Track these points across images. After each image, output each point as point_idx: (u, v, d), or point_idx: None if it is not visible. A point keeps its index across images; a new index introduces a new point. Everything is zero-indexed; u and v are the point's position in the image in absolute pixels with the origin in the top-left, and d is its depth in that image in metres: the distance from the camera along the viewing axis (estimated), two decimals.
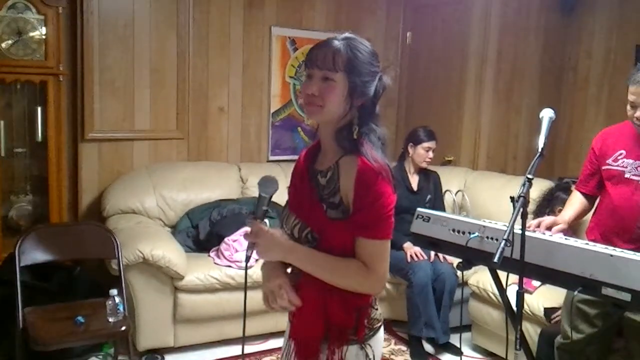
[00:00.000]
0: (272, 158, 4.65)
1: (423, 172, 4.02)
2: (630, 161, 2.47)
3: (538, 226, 2.36)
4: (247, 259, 1.56)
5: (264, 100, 4.59)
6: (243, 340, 1.74)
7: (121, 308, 2.90)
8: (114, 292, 2.88)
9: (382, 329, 1.62)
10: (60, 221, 3.66)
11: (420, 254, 3.67)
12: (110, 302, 2.87)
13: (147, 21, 4.04)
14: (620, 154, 2.50)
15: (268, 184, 1.56)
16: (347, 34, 1.54)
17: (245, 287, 1.62)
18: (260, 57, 4.52)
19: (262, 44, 4.51)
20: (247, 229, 1.58)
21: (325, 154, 1.60)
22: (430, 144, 3.92)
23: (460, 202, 4.30)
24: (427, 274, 3.61)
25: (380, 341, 1.62)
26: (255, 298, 3.60)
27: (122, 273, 3.13)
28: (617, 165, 2.51)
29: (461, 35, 4.69)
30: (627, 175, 2.46)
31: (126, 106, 4.05)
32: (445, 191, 4.34)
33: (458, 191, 4.33)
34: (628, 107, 2.40)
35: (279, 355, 3.38)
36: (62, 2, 3.56)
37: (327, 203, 1.51)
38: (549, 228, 2.35)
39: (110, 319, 2.87)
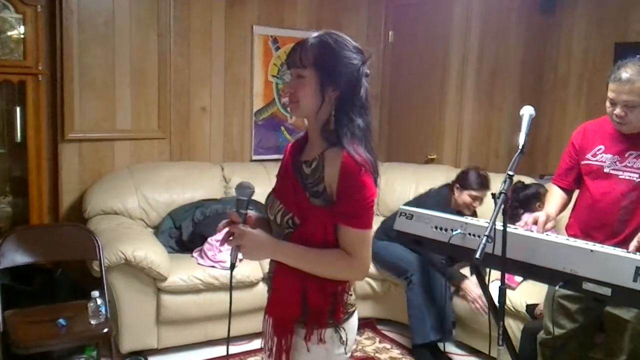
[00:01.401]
0: (255, 157, 4.63)
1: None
2: (609, 156, 2.50)
3: (535, 223, 2.37)
4: (232, 266, 1.64)
5: (247, 99, 4.57)
6: (227, 341, 1.77)
7: (103, 310, 2.87)
8: (95, 294, 2.85)
9: (356, 313, 1.70)
10: (41, 223, 3.61)
11: (481, 300, 3.21)
12: (92, 304, 2.84)
13: (128, 20, 4.00)
14: (600, 149, 2.53)
15: (244, 187, 1.63)
16: (323, 30, 1.61)
17: (230, 293, 1.71)
18: (242, 56, 4.50)
19: (244, 43, 4.50)
20: (224, 231, 1.61)
21: (311, 146, 1.67)
22: (479, 194, 3.49)
23: None
24: (427, 270, 3.48)
25: (354, 326, 1.69)
26: (240, 298, 3.62)
27: (103, 274, 3.10)
28: (596, 160, 2.53)
29: (443, 34, 4.71)
30: (606, 170, 2.49)
31: (107, 106, 4.01)
32: (430, 189, 4.36)
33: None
34: (607, 104, 2.43)
35: (262, 355, 3.38)
36: (40, 0, 3.51)
37: (310, 191, 1.58)
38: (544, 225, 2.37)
39: (93, 321, 2.84)
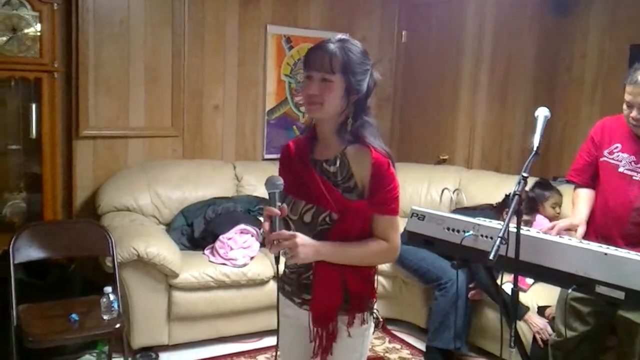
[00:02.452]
0: (267, 156, 4.64)
1: None
2: (625, 155, 2.47)
3: (551, 229, 2.34)
4: (277, 259, 1.69)
5: (259, 98, 4.58)
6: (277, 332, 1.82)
7: (115, 305, 2.89)
8: (108, 289, 2.87)
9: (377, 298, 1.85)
10: (55, 218, 3.65)
11: (547, 330, 3.06)
12: (104, 300, 2.86)
13: (143, 19, 4.03)
14: (617, 147, 2.50)
15: (273, 181, 1.66)
16: (340, 36, 1.71)
17: (277, 278, 1.85)
18: (255, 56, 4.52)
19: (258, 42, 4.51)
20: (242, 227, 1.67)
21: (326, 145, 1.76)
22: (530, 217, 3.36)
23: (456, 200, 4.31)
24: (464, 282, 3.42)
25: (377, 308, 1.84)
26: (251, 296, 3.64)
27: (116, 270, 3.12)
28: (613, 159, 2.51)
29: (456, 34, 4.70)
30: (620, 170, 2.47)
31: (121, 103, 4.04)
32: (444, 189, 4.36)
33: (455, 190, 4.34)
34: (624, 106, 2.41)
35: (273, 353, 3.39)
36: None
37: (342, 187, 1.70)
38: (567, 230, 2.34)
39: (105, 317, 2.86)
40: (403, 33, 5.12)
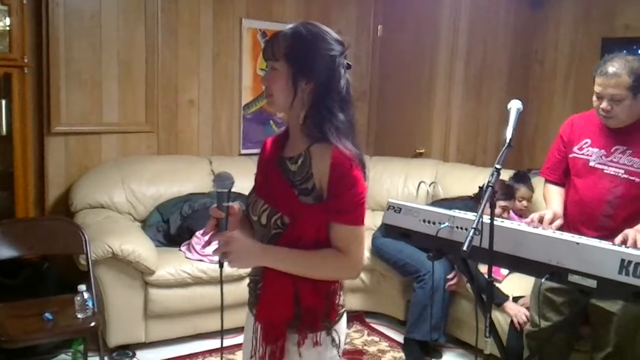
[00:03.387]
0: (243, 151, 4.62)
1: None
2: (595, 150, 2.51)
3: (540, 221, 2.35)
4: (221, 264, 1.52)
5: (235, 93, 4.55)
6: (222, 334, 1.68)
7: (90, 304, 2.86)
8: (82, 287, 2.84)
9: (345, 314, 1.64)
10: (27, 216, 3.58)
11: (521, 313, 3.12)
12: (79, 298, 2.82)
13: (115, 12, 3.96)
14: (586, 142, 2.54)
15: (223, 178, 1.52)
16: (300, 21, 1.55)
17: (222, 292, 1.59)
18: (231, 50, 4.48)
19: (233, 36, 4.48)
20: (202, 237, 1.54)
21: (293, 142, 1.60)
22: (507, 204, 3.44)
23: (433, 193, 4.34)
24: (442, 274, 3.46)
25: (344, 327, 1.64)
26: (228, 292, 3.61)
27: (90, 268, 3.08)
28: (582, 154, 2.54)
29: (431, 28, 4.72)
30: (591, 164, 2.51)
31: (93, 99, 3.97)
32: (420, 182, 4.38)
33: (431, 183, 4.37)
34: (594, 98, 2.44)
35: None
36: None
37: (299, 189, 1.51)
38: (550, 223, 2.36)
39: (79, 315, 2.82)
40: (379, 27, 5.12)
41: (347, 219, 1.49)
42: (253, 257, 1.52)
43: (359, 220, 1.50)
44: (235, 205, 1.55)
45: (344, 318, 1.64)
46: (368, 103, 5.24)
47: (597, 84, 2.40)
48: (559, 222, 2.39)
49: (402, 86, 5.01)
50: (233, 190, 1.56)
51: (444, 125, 4.74)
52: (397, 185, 4.51)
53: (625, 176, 2.42)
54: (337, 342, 1.58)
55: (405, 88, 4.97)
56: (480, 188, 3.55)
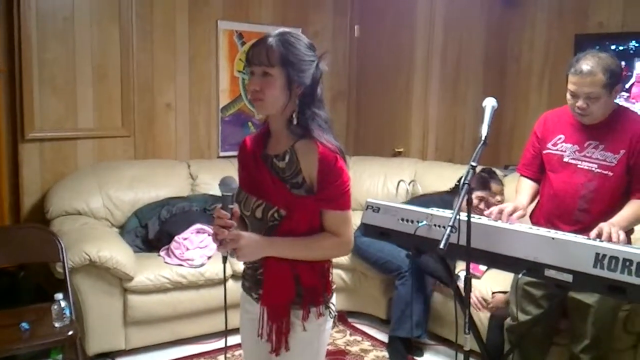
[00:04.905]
0: (222, 154, 4.59)
1: None
2: (569, 145, 2.54)
3: (500, 213, 2.37)
4: (225, 259, 1.70)
5: (213, 95, 4.53)
6: (226, 335, 1.89)
7: (67, 312, 2.81)
8: (59, 296, 2.79)
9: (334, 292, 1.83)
10: (2, 224, 3.53)
11: (475, 297, 3.22)
12: (55, 307, 2.78)
13: (88, 15, 3.92)
14: (560, 138, 2.57)
15: (228, 183, 1.67)
16: (281, 30, 1.70)
17: (224, 287, 1.83)
18: (207, 52, 4.46)
19: (209, 39, 4.45)
20: (198, 226, 1.65)
21: (277, 140, 1.75)
22: (483, 194, 3.45)
23: (412, 192, 4.35)
24: (420, 269, 3.46)
25: (335, 302, 1.81)
26: (210, 296, 3.59)
27: (67, 276, 3.04)
28: (557, 150, 2.57)
29: (407, 28, 4.74)
30: (565, 159, 2.54)
31: (68, 104, 3.92)
32: (399, 181, 4.39)
33: (411, 181, 4.38)
34: (568, 96, 2.46)
35: (235, 353, 3.36)
36: None
37: (290, 183, 1.68)
38: (510, 215, 2.38)
39: (57, 324, 2.78)
40: (355, 27, 5.13)
41: (337, 206, 1.68)
42: (260, 249, 1.68)
43: (346, 205, 1.70)
44: (236, 207, 1.71)
45: (334, 294, 1.82)
46: (347, 103, 5.24)
47: (571, 82, 2.42)
48: (519, 213, 2.42)
49: (380, 86, 5.02)
50: (211, 193, 1.67)
51: (422, 124, 4.77)
52: (377, 184, 4.52)
53: (599, 170, 2.45)
54: (333, 315, 1.79)
55: (383, 88, 4.99)
56: (457, 185, 3.60)
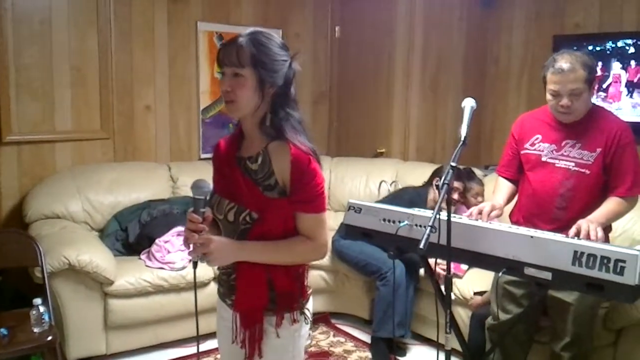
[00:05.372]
0: (203, 156, 4.56)
1: None
2: (546, 145, 2.57)
3: (479, 213, 2.40)
4: (195, 264, 1.66)
5: (193, 97, 4.50)
6: (198, 340, 1.86)
7: (46, 317, 2.78)
8: (37, 301, 2.77)
9: (311, 296, 1.80)
10: None
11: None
12: (34, 312, 2.75)
13: (65, 18, 3.87)
14: (537, 138, 2.60)
15: (200, 186, 1.63)
16: (252, 29, 1.66)
17: (195, 292, 1.76)
18: (187, 53, 4.43)
19: (189, 40, 4.42)
20: (179, 229, 1.62)
21: (250, 142, 1.71)
22: (458, 185, 3.51)
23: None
24: (403, 270, 3.49)
25: (311, 305, 1.79)
26: (190, 300, 3.56)
27: (46, 281, 3.00)
28: (534, 149, 2.60)
29: (388, 29, 4.75)
30: (543, 159, 2.57)
31: (46, 107, 3.87)
32: (381, 182, 4.40)
33: (392, 182, 4.40)
34: (549, 96, 2.48)
35: (217, 356, 3.34)
36: None
37: (262, 186, 1.64)
38: (489, 214, 2.40)
39: (36, 330, 2.75)
40: (336, 28, 5.14)
41: (311, 208, 1.63)
42: (231, 254, 1.64)
43: (321, 208, 1.66)
44: (208, 211, 1.66)
45: (311, 299, 1.79)
46: (328, 104, 5.25)
47: (552, 82, 2.44)
48: (495, 212, 2.45)
49: (361, 87, 5.03)
50: (188, 194, 1.62)
51: (403, 125, 4.79)
52: (359, 185, 4.53)
53: (576, 169, 2.48)
54: (309, 320, 1.75)
55: (364, 89, 5.00)
56: (432, 176, 3.65)
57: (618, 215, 2.46)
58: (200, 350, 3.43)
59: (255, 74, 1.60)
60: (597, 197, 2.47)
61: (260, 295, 1.65)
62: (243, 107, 1.63)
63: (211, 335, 3.46)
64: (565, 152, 2.52)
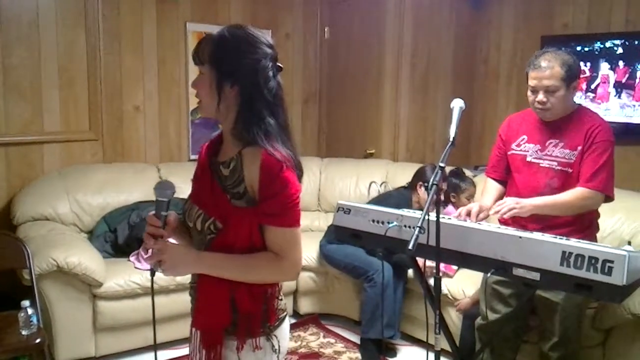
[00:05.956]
0: (193, 157, 4.55)
1: None
2: (532, 145, 2.60)
3: (468, 214, 2.41)
4: (153, 272, 1.56)
5: (182, 97, 4.48)
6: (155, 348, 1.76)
7: (35, 320, 2.76)
8: (25, 303, 2.74)
9: (287, 319, 1.64)
10: None
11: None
12: (22, 314, 2.72)
13: (53, 19, 3.85)
14: (523, 138, 2.64)
15: (164, 187, 1.54)
16: (227, 25, 1.56)
17: (152, 300, 1.73)
18: (176, 54, 4.41)
19: (178, 40, 4.41)
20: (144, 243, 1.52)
21: (226, 146, 1.59)
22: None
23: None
24: (390, 272, 3.47)
25: (286, 332, 1.63)
26: (167, 303, 3.54)
27: (34, 283, 2.98)
28: (520, 150, 2.63)
29: (377, 30, 4.76)
30: (528, 159, 2.59)
31: (34, 108, 3.84)
32: (371, 183, 4.41)
33: (382, 182, 4.40)
34: (529, 93, 2.54)
35: None
36: None
37: (230, 193, 1.51)
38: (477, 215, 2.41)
39: (24, 332, 2.72)
40: (326, 29, 5.14)
41: (280, 222, 1.48)
42: (187, 264, 1.51)
43: (292, 222, 1.50)
44: (172, 215, 1.56)
45: (286, 322, 1.62)
46: (318, 105, 5.24)
47: (531, 78, 2.50)
48: (483, 214, 2.46)
49: (350, 87, 5.04)
50: (182, 197, 1.59)
51: (393, 126, 4.80)
52: (349, 186, 4.53)
53: (559, 168, 2.51)
54: (277, 347, 1.56)
55: (354, 89, 5.01)
56: (415, 177, 3.66)
57: (568, 206, 2.44)
58: (182, 354, 3.43)
59: (212, 72, 1.49)
60: None
61: (220, 314, 1.50)
62: (205, 107, 1.54)
63: (187, 339, 3.47)
64: (548, 151, 2.55)
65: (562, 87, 2.44)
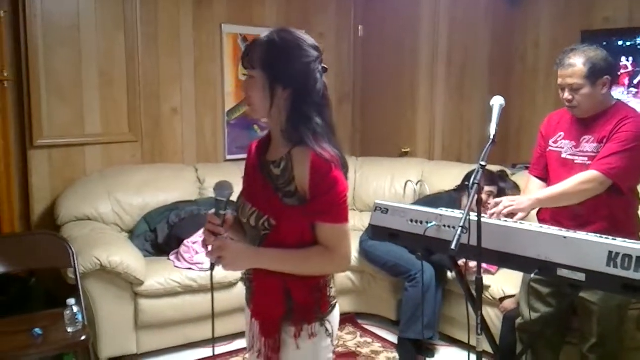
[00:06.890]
0: (229, 157, 4.60)
1: None
2: (567, 142, 2.58)
3: (496, 207, 2.36)
4: (212, 266, 1.63)
5: (218, 99, 4.53)
6: (213, 341, 1.84)
7: (80, 317, 2.83)
8: (71, 301, 2.81)
9: (337, 306, 1.72)
10: (13, 231, 3.55)
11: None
12: (68, 312, 2.79)
13: (93, 22, 3.93)
14: (560, 135, 2.62)
15: (223, 188, 1.63)
16: (274, 28, 1.61)
17: (212, 294, 1.73)
18: (212, 56, 4.46)
19: (213, 42, 4.46)
20: (200, 232, 1.61)
21: (276, 146, 1.66)
22: (492, 189, 3.43)
23: (420, 192, 4.35)
24: (432, 272, 3.46)
25: (337, 317, 1.71)
26: (220, 299, 3.61)
27: (79, 282, 3.05)
28: (557, 147, 2.62)
29: (412, 27, 4.73)
30: (563, 156, 2.57)
31: (75, 110, 3.94)
32: (407, 182, 4.39)
33: (418, 181, 4.38)
34: (559, 91, 2.52)
35: (245, 356, 3.36)
36: (3, 5, 3.45)
37: (282, 192, 1.58)
38: (509, 215, 2.37)
39: (69, 329, 2.80)
40: (359, 28, 5.13)
41: (330, 218, 1.56)
42: (246, 260, 1.61)
43: (341, 218, 1.57)
44: (230, 215, 1.65)
45: (337, 309, 1.71)
46: (352, 104, 5.24)
47: (559, 76, 2.49)
48: (520, 215, 2.38)
49: (385, 86, 5.01)
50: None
51: (428, 124, 4.76)
52: (384, 185, 4.52)
53: (590, 163, 2.46)
54: (331, 331, 1.66)
55: (388, 88, 4.98)
56: (464, 179, 3.60)
57: (567, 195, 2.42)
58: (231, 349, 3.49)
59: (264, 76, 1.55)
60: (612, 190, 2.42)
61: (276, 304, 1.60)
62: (257, 110, 1.61)
63: (240, 335, 3.50)
64: (582, 148, 2.53)
65: (586, 84, 2.41)
